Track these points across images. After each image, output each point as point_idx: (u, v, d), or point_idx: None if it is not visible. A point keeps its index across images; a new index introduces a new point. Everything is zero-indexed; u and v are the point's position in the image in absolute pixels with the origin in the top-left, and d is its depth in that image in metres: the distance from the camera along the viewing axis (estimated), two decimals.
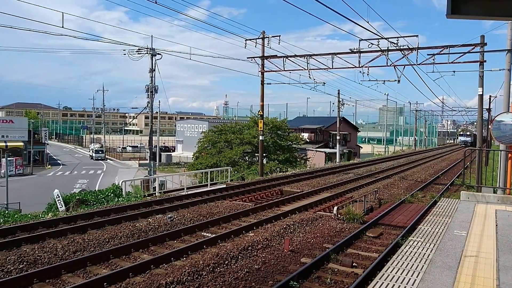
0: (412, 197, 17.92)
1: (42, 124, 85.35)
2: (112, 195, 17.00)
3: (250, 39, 24.21)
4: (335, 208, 13.45)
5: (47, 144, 60.81)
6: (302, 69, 22.95)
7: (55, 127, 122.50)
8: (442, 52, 19.35)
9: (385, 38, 19.17)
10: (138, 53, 30.02)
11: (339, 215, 13.08)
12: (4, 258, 8.43)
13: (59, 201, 15.70)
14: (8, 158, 30.14)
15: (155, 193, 19.23)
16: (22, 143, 51.67)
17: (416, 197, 17.99)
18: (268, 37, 24.01)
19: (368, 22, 15.78)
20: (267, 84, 25.32)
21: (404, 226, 12.12)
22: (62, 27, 17.06)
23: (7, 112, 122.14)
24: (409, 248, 6.68)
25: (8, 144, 50.18)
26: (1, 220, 12.64)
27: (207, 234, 11.19)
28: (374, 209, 15.11)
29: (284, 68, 23.32)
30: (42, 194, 26.28)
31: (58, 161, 59.38)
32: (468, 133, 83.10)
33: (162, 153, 59.75)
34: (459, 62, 19.41)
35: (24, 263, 8.30)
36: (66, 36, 34.59)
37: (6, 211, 17.21)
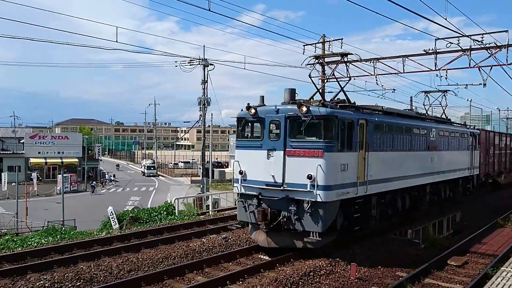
0: (505, 220, 16.79)
1: (95, 140, 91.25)
2: (165, 213, 17.75)
3: (308, 44, 24.18)
4: (409, 231, 12.95)
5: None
6: (368, 75, 22.40)
7: (108, 142, 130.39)
8: None
9: (467, 36, 18.29)
10: (190, 64, 31.32)
11: (415, 240, 12.56)
12: (63, 275, 9.14)
13: (113, 219, 16.67)
14: (64, 175, 32.53)
15: (208, 212, 19.71)
16: (76, 159, 55.49)
17: (509, 221, 16.83)
18: (329, 41, 23.85)
19: (445, 19, 15.19)
20: (328, 92, 25.07)
21: (495, 254, 11.42)
22: (116, 41, 18.38)
23: (62, 129, 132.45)
24: (501, 280, 6.28)
25: (64, 160, 54.19)
26: (58, 237, 13.72)
27: (265, 257, 11.26)
28: (458, 233, 14.34)
29: (347, 74, 22.98)
30: (96, 211, 27.91)
31: (111, 178, 62.89)
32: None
33: (214, 169, 61.10)
34: None
35: (81, 280, 8.94)
36: (119, 50, 36.92)
37: (63, 228, 18.53)
